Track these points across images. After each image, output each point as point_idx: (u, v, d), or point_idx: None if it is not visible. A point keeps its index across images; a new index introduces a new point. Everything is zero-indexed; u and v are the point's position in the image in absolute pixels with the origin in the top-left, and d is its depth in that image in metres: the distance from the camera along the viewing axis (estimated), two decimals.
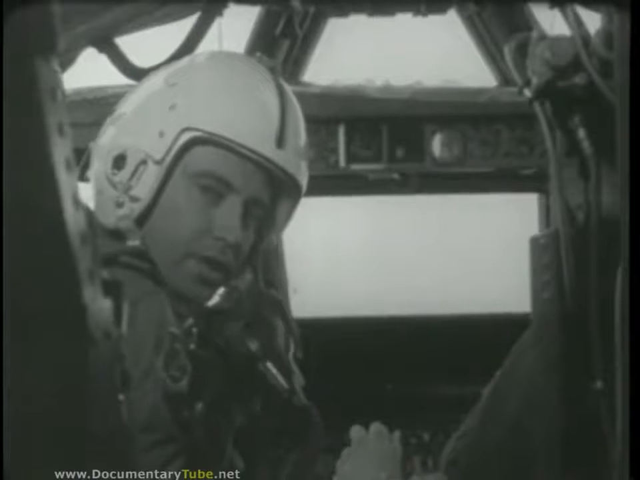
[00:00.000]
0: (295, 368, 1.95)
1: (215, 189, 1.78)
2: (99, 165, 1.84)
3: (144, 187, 1.77)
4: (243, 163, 1.79)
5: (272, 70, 1.88)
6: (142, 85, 1.90)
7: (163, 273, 1.75)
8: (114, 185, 1.79)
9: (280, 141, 1.80)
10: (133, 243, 1.75)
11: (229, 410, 1.78)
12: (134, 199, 1.78)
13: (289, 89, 1.89)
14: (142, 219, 1.78)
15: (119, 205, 1.78)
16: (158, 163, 1.76)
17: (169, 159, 1.76)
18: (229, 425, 1.78)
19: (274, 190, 1.85)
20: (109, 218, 1.79)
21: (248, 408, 1.81)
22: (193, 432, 1.65)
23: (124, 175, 1.78)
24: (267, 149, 1.79)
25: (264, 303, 1.99)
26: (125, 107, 1.86)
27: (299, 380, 1.93)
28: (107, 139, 1.84)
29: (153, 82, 1.87)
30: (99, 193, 1.83)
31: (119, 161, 1.79)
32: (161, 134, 1.77)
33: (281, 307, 2.01)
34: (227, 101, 1.79)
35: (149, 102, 1.82)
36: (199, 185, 1.78)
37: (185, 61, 1.93)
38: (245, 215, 1.81)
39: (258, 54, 1.96)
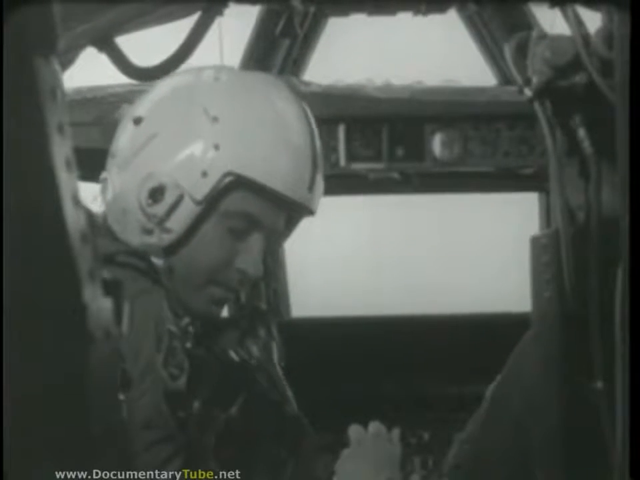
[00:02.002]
0: (283, 378, 1.97)
1: (244, 227, 1.81)
2: (121, 180, 1.82)
3: (178, 221, 1.77)
4: (276, 207, 1.83)
5: (300, 98, 1.89)
6: (168, 95, 1.85)
7: (182, 295, 1.78)
8: (147, 215, 1.78)
9: (311, 186, 1.85)
10: (157, 261, 1.77)
11: (221, 413, 1.79)
12: (165, 230, 1.78)
13: (310, 113, 1.89)
14: (170, 249, 1.79)
15: (147, 232, 1.78)
16: (197, 203, 1.76)
17: (208, 200, 1.77)
18: (218, 428, 1.79)
19: (290, 219, 1.91)
20: (133, 240, 1.80)
21: (233, 416, 1.82)
22: (188, 431, 1.66)
23: (160, 208, 1.77)
24: (300, 195, 1.83)
25: (254, 314, 2.02)
26: (154, 124, 1.81)
27: (288, 389, 1.96)
28: (139, 161, 1.80)
29: (186, 101, 1.81)
30: (121, 210, 1.81)
31: (156, 194, 1.77)
32: (204, 174, 1.76)
33: (264, 316, 2.04)
34: (268, 147, 1.79)
35: (188, 133, 1.78)
36: (230, 223, 1.80)
37: (223, 83, 1.85)
38: (266, 247, 1.85)
39: (289, 77, 1.95)
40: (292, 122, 1.85)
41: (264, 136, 1.80)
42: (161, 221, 1.77)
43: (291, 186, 1.80)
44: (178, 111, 1.82)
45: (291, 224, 1.94)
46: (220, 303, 1.86)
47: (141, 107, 1.86)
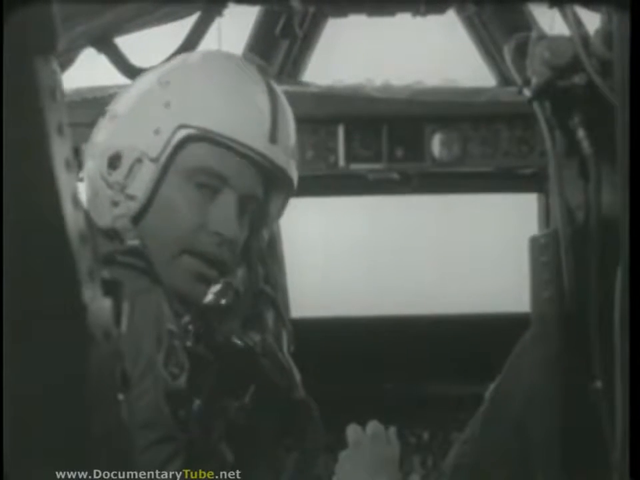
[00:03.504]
0: (291, 363, 1.96)
1: (210, 184, 1.79)
2: (93, 165, 1.84)
3: (140, 185, 1.78)
4: (238, 159, 1.80)
5: (262, 70, 1.90)
6: (134, 85, 1.91)
7: (159, 270, 1.76)
8: (110, 185, 1.79)
9: (272, 137, 1.83)
10: (132, 242, 1.75)
11: (224, 406, 1.79)
12: (130, 198, 1.78)
13: (278, 89, 1.91)
14: (138, 217, 1.79)
15: (115, 204, 1.79)
16: (153, 160, 1.77)
17: (164, 156, 1.77)
18: (223, 421, 1.79)
19: (267, 185, 1.88)
20: (105, 218, 1.80)
21: (246, 404, 1.82)
22: (190, 430, 1.66)
23: (119, 174, 1.79)
24: (260, 144, 1.81)
25: (259, 299, 2.00)
26: (118, 107, 1.86)
27: (296, 374, 1.94)
28: (101, 139, 1.85)
29: (145, 82, 1.88)
30: (94, 194, 1.84)
31: (114, 161, 1.80)
32: (157, 132, 1.78)
33: (274, 302, 2.02)
34: (219, 99, 1.81)
35: (142, 101, 1.83)
36: (194, 181, 1.79)
37: (177, 60, 1.94)
38: (240, 210, 1.82)
39: (248, 54, 1.98)
40: (245, 80, 1.86)
41: (215, 91, 1.81)
42: (123, 187, 1.78)
43: (247, 133, 1.79)
44: (136, 90, 1.87)
45: (271, 195, 1.91)
46: (203, 280, 1.82)
47: (111, 102, 1.92)
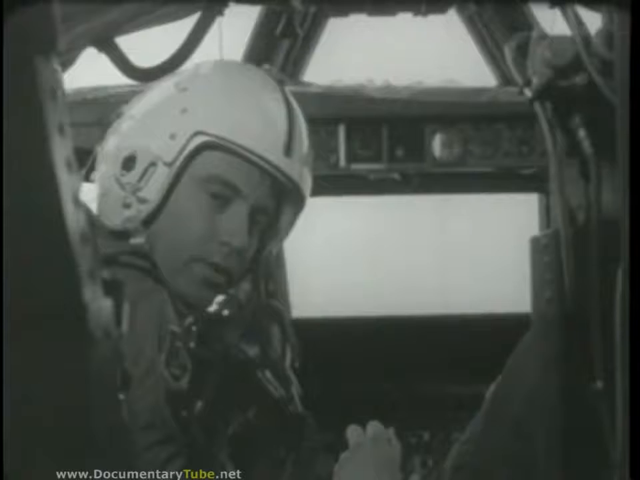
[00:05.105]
0: (292, 376, 1.96)
1: (222, 194, 1.80)
2: (106, 167, 1.84)
3: (152, 189, 1.78)
4: (251, 170, 1.81)
5: (279, 82, 1.91)
6: (151, 89, 1.91)
7: (167, 276, 1.76)
8: (122, 186, 1.80)
9: (287, 150, 1.83)
10: (136, 241, 1.76)
11: (225, 414, 1.78)
12: (142, 201, 1.78)
13: (294, 100, 1.91)
14: (149, 221, 1.79)
15: (126, 206, 1.79)
16: (168, 165, 1.77)
17: (179, 161, 1.78)
18: (224, 429, 1.78)
19: (279, 198, 1.88)
20: (115, 219, 1.80)
21: (244, 414, 1.82)
22: (191, 432, 1.66)
23: (133, 176, 1.79)
24: (275, 156, 1.81)
25: (263, 311, 2.01)
26: (134, 110, 1.87)
27: (296, 388, 1.94)
28: (115, 142, 1.85)
29: (163, 87, 1.88)
30: (104, 194, 1.84)
31: (129, 162, 1.80)
32: (172, 136, 1.78)
33: (280, 315, 2.02)
34: (237, 108, 1.81)
35: (159, 106, 1.84)
36: (207, 189, 1.79)
37: (195, 67, 1.94)
38: (251, 221, 1.82)
39: (267, 66, 1.99)
40: (263, 92, 1.86)
41: (233, 100, 1.82)
42: (136, 190, 1.78)
43: (263, 144, 1.80)
44: (153, 94, 1.88)
45: (283, 208, 1.91)
46: (212, 287, 1.83)
47: (128, 104, 1.92)
